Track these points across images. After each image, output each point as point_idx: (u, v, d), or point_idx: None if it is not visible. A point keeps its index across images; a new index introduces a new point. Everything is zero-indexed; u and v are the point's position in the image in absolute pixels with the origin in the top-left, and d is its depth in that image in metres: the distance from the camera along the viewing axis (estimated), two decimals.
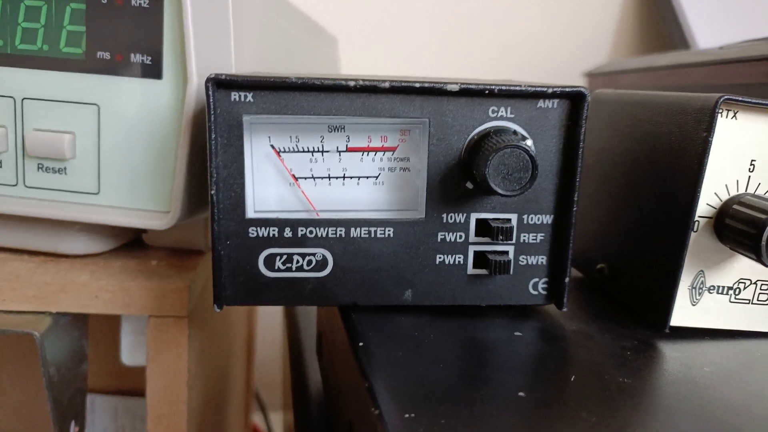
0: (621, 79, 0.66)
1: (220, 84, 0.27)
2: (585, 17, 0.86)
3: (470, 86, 0.28)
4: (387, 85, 0.28)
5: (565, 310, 0.31)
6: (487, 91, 0.28)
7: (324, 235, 0.29)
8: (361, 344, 0.27)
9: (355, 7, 0.82)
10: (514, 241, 0.30)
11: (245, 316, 0.67)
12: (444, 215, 0.29)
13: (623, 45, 0.87)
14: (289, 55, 0.47)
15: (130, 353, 0.38)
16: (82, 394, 0.38)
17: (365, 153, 0.29)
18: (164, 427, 0.37)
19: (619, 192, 0.34)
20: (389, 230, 0.29)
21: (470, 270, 0.30)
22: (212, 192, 0.28)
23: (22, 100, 0.32)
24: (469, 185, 0.29)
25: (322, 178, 0.29)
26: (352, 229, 0.29)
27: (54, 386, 0.34)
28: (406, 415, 0.21)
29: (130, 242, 0.40)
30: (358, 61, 0.81)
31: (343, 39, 0.73)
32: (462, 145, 0.29)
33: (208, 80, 0.27)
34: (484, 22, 0.85)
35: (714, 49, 0.53)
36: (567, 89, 0.28)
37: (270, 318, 0.83)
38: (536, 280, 0.30)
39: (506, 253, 0.30)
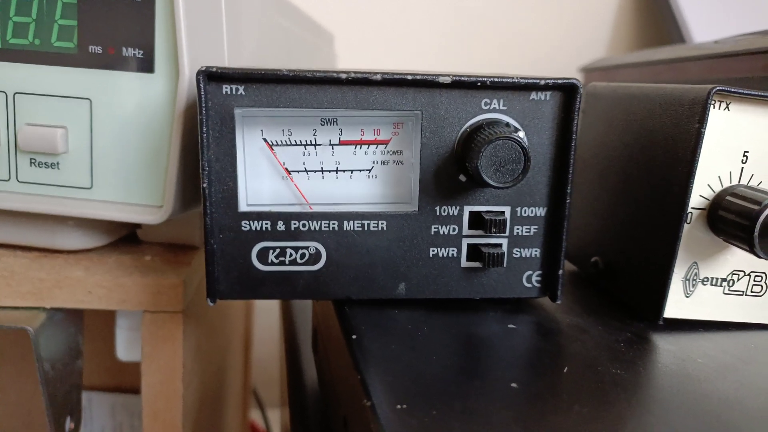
0: (617, 73, 0.66)
1: (212, 77, 0.27)
2: (582, 15, 0.86)
3: (462, 78, 0.28)
4: (379, 77, 0.27)
5: (559, 302, 0.30)
6: (479, 83, 0.28)
7: (317, 228, 0.29)
8: (354, 337, 0.27)
9: (354, 7, 0.81)
10: (507, 233, 0.30)
11: (242, 313, 0.67)
12: (437, 208, 0.29)
13: (620, 42, 0.87)
14: (284, 50, 0.47)
15: (125, 349, 0.38)
16: (78, 390, 0.38)
17: (358, 146, 0.29)
18: (160, 423, 0.37)
19: (613, 185, 0.34)
20: (382, 223, 0.29)
21: (464, 263, 0.30)
22: (204, 185, 0.28)
23: (14, 94, 0.32)
24: (462, 178, 0.29)
25: (314, 171, 0.29)
26: (345, 223, 0.29)
27: (49, 382, 0.34)
28: (399, 407, 0.21)
29: (125, 238, 0.40)
30: (357, 60, 0.80)
31: (341, 40, 0.73)
32: (455, 137, 0.29)
33: (199, 73, 0.27)
34: (482, 21, 0.84)
35: (709, 43, 0.53)
36: (559, 81, 0.28)
37: (267, 315, 0.83)
38: (530, 272, 0.30)
39: (500, 245, 0.30)
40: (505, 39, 0.85)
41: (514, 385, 0.23)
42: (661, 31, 0.80)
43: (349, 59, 0.77)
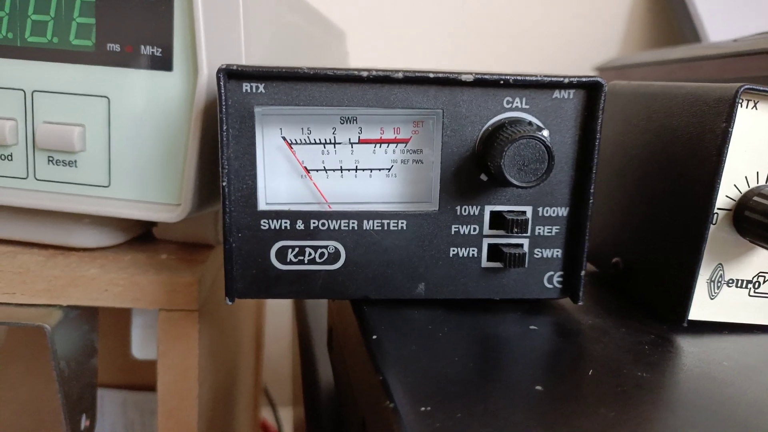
0: (632, 73, 0.66)
1: (232, 75, 0.27)
2: (594, 13, 0.85)
3: (485, 76, 0.27)
4: (400, 75, 0.27)
5: (580, 303, 0.30)
6: (502, 82, 0.27)
7: (336, 227, 0.29)
8: (374, 338, 0.26)
9: (366, 4, 0.81)
10: (529, 233, 0.29)
11: (254, 312, 0.67)
12: (458, 208, 0.29)
13: (634, 40, 0.86)
14: (299, 48, 0.47)
15: (140, 347, 0.38)
16: (93, 388, 0.38)
17: (378, 145, 0.29)
18: (174, 421, 0.37)
19: (634, 185, 0.34)
20: (402, 223, 0.29)
21: (484, 263, 0.30)
22: (224, 184, 0.27)
23: (33, 92, 0.32)
24: (484, 177, 0.29)
25: (334, 170, 0.29)
26: (365, 222, 0.29)
27: (64, 380, 0.34)
28: (422, 409, 0.21)
29: (140, 236, 0.40)
30: (368, 58, 0.80)
31: (352, 36, 0.72)
32: (476, 136, 0.28)
33: (219, 71, 0.26)
34: (495, 18, 0.84)
35: (728, 41, 0.52)
36: (583, 79, 0.28)
37: (278, 314, 0.83)
38: (551, 273, 0.30)
39: (521, 245, 0.29)
40: (517, 36, 0.85)
41: (538, 387, 0.23)
42: (675, 29, 0.80)
43: (360, 57, 0.77)
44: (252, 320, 0.66)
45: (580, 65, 0.83)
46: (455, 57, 0.84)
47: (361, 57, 0.78)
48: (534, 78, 0.27)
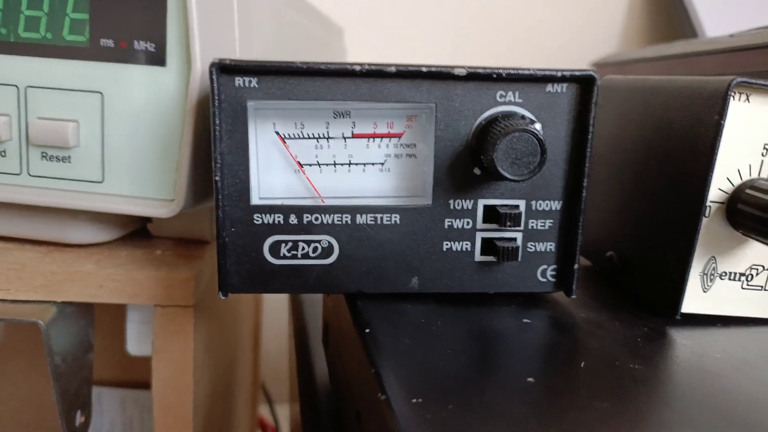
0: (630, 68, 0.66)
1: (224, 69, 0.27)
2: (593, 11, 0.85)
3: (478, 70, 0.27)
4: (393, 69, 0.27)
5: (574, 297, 0.30)
6: (494, 75, 0.27)
7: (330, 222, 0.29)
8: (367, 331, 0.26)
9: (365, 2, 0.81)
10: (522, 227, 0.29)
11: (252, 308, 0.67)
12: (451, 202, 0.29)
13: (632, 37, 0.86)
14: (296, 44, 0.47)
15: (136, 343, 0.38)
16: (88, 384, 0.38)
17: (371, 139, 0.29)
18: (171, 417, 0.37)
19: (629, 179, 0.34)
20: (396, 217, 0.29)
21: (478, 257, 0.30)
22: (216, 178, 0.27)
23: (26, 88, 0.32)
24: (477, 171, 0.29)
25: (327, 164, 0.29)
26: (358, 216, 0.29)
27: (60, 376, 0.34)
28: (415, 401, 0.21)
29: (136, 232, 0.40)
30: (367, 57, 0.80)
31: (351, 35, 0.72)
32: (469, 130, 0.28)
33: (212, 65, 0.26)
34: (493, 16, 0.84)
35: (724, 37, 0.52)
36: (576, 73, 0.28)
37: (276, 311, 0.83)
38: (545, 267, 0.30)
39: (514, 239, 0.29)
40: (516, 34, 0.85)
41: (530, 379, 0.23)
42: (673, 25, 0.80)
43: (359, 54, 0.77)
44: (250, 317, 0.66)
45: (579, 64, 0.83)
46: (455, 55, 0.84)
47: (360, 55, 0.78)
48: (527, 72, 0.27)
